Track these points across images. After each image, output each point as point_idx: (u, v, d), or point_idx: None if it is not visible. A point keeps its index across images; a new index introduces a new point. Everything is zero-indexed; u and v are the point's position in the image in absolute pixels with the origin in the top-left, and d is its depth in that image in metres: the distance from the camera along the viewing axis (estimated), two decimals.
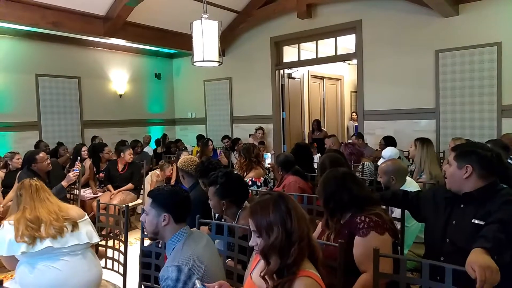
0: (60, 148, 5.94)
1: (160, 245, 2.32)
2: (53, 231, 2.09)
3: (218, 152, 6.56)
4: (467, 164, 1.80)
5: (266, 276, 1.35)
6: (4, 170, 4.71)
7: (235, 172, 4.11)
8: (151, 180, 5.36)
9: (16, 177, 4.34)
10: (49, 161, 4.05)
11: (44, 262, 2.09)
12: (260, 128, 7.17)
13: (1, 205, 4.19)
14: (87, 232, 2.23)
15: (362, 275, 1.74)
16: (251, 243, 1.41)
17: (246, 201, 2.41)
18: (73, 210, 2.32)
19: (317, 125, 7.74)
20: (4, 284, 2.18)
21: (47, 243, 2.06)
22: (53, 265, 2.08)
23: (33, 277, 2.06)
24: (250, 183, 3.67)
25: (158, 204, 1.78)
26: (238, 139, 7.02)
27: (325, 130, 7.90)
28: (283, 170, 3.57)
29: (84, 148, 5.42)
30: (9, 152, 4.77)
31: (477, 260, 1.37)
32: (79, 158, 5.09)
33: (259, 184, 3.70)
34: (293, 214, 1.36)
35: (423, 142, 3.69)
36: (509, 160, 3.18)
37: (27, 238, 2.04)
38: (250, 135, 7.26)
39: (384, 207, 2.22)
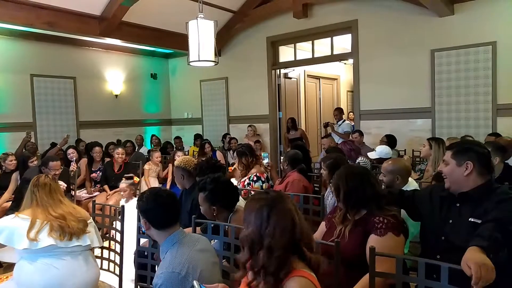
0: (54, 148, 5.90)
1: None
2: (76, 229, 2.15)
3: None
4: (467, 161, 1.80)
5: (238, 263, 1.46)
6: None
7: (237, 171, 4.12)
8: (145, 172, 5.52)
9: (10, 179, 4.33)
10: (58, 172, 3.98)
11: (45, 260, 2.08)
12: (250, 126, 7.18)
13: None
14: (89, 234, 2.24)
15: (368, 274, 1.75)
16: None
17: (237, 204, 2.41)
18: (84, 212, 2.35)
19: (292, 123, 6.94)
20: (1, 285, 2.18)
21: (51, 241, 2.06)
22: (53, 264, 2.08)
23: (32, 274, 2.05)
24: (255, 178, 3.67)
25: (140, 210, 1.78)
26: (232, 138, 6.99)
27: (301, 128, 7.35)
28: (289, 165, 3.57)
29: (70, 151, 5.23)
30: (3, 154, 4.74)
31: (473, 258, 1.37)
32: (74, 159, 5.08)
33: (263, 180, 3.70)
34: (272, 221, 1.34)
35: (438, 142, 3.70)
36: (508, 162, 3.19)
37: (57, 232, 2.08)
38: (246, 135, 7.26)
39: None
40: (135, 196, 3.50)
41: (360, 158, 4.07)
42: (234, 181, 3.89)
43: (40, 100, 6.68)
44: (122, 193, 3.57)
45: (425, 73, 5.43)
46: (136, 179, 3.73)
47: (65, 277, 2.09)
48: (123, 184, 3.55)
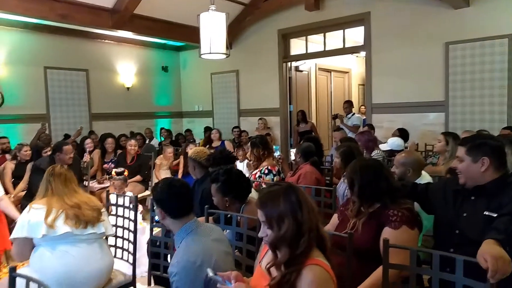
0: (67, 140, 5.98)
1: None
2: (91, 217, 2.18)
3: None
4: (483, 157, 1.77)
5: (275, 267, 1.36)
6: (14, 162, 4.77)
7: (249, 162, 4.11)
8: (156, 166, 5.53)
9: (25, 169, 4.41)
10: (72, 155, 4.07)
11: (62, 247, 2.12)
12: (260, 119, 7.18)
13: (12, 195, 4.25)
14: (104, 222, 2.27)
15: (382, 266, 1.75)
16: (260, 234, 1.42)
17: (249, 195, 2.42)
18: (97, 201, 2.39)
19: (302, 116, 6.86)
20: (18, 271, 2.22)
21: (67, 228, 2.10)
22: (69, 251, 2.12)
23: (48, 261, 2.09)
24: (266, 171, 3.68)
25: (155, 199, 1.79)
26: (242, 131, 6.99)
27: (311, 121, 7.28)
28: (302, 157, 3.57)
29: (88, 141, 5.41)
30: (18, 144, 4.83)
31: (489, 250, 1.36)
32: (88, 150, 5.16)
33: (275, 173, 3.70)
34: (303, 205, 1.36)
35: (454, 137, 3.68)
36: None
37: (73, 220, 2.11)
38: (256, 128, 7.26)
39: None
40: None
41: (375, 151, 4.05)
42: None
43: (54, 92, 6.77)
44: (116, 188, 3.59)
45: (439, 66, 5.34)
46: (126, 173, 3.78)
47: (80, 264, 2.12)
48: (118, 181, 3.58)
